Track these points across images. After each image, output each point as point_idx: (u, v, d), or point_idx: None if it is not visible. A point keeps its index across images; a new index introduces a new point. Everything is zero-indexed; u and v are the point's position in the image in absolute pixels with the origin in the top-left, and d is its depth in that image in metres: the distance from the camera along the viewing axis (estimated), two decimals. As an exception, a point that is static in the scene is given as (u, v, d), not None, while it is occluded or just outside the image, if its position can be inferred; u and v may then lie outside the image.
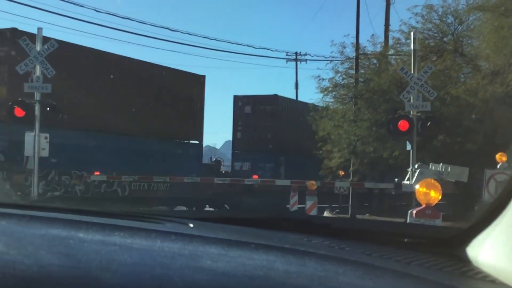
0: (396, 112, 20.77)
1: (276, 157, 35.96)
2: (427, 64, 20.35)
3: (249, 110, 37.02)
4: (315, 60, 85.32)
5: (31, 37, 19.17)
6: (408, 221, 11.36)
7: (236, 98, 37.77)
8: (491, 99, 22.89)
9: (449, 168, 16.68)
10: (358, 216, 26.20)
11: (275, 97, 37.22)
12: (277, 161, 36.05)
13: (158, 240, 1.49)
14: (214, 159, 37.61)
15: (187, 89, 32.26)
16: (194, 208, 27.83)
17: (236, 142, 38.31)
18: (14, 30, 24.32)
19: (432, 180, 12.00)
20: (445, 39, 26.81)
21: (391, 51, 29.36)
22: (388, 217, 22.77)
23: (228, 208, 28.03)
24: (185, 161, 30.50)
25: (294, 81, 59.95)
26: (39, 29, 18.87)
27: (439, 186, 11.36)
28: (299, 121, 35.65)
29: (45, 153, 18.62)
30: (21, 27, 28.98)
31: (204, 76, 33.88)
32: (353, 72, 29.70)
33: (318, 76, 29.96)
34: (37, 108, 18.25)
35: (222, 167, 36.37)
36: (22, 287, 1.30)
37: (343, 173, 30.33)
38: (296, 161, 35.53)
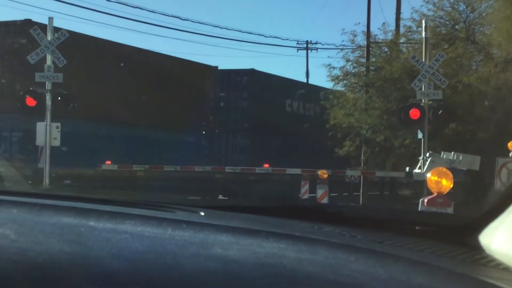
0: (407, 101, 20.73)
1: None
2: (439, 52, 20.27)
3: None
4: (326, 49, 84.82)
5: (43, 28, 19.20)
6: (419, 209, 11.34)
7: None
8: (504, 87, 22.78)
9: (461, 156, 16.63)
10: (369, 204, 26.21)
11: None
12: None
13: (169, 229, 1.49)
14: None
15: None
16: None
17: None
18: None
19: (444, 169, 11.98)
20: (457, 26, 26.68)
21: (402, 39, 29.24)
22: (399, 206, 22.75)
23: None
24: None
25: (305, 70, 59.87)
26: (50, 18, 18.91)
27: (450, 174, 11.34)
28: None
29: (57, 143, 18.71)
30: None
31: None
32: (364, 60, 29.63)
33: (329, 65, 29.90)
34: (48, 97, 18.31)
35: None
36: (32, 274, 1.31)
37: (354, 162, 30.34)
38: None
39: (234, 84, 37.13)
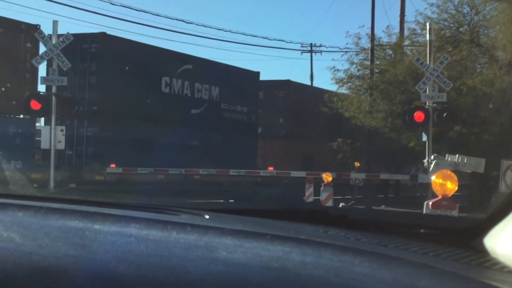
0: (411, 103, 20.73)
1: None
2: (443, 55, 20.26)
3: None
4: (330, 52, 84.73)
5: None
6: (424, 212, 11.33)
7: None
8: (508, 89, 22.77)
9: (466, 159, 16.63)
10: (374, 207, 26.20)
11: None
12: None
13: (174, 232, 1.49)
14: None
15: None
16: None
17: None
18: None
19: (448, 171, 11.98)
20: (461, 29, 26.66)
21: (406, 42, 29.24)
22: (404, 209, 22.72)
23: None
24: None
25: (309, 73, 59.78)
26: (55, 22, 18.98)
27: (455, 177, 11.33)
28: None
29: (61, 146, 18.75)
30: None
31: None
32: (368, 63, 29.64)
33: (333, 67, 29.92)
34: (53, 101, 18.36)
35: None
36: (38, 278, 1.31)
37: (358, 164, 30.33)
38: None
39: (80, 53, 27.13)
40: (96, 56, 27.55)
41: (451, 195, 11.32)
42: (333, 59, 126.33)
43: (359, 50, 29.98)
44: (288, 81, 39.97)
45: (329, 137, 34.10)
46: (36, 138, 27.47)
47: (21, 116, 26.74)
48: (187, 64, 31.94)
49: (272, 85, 38.52)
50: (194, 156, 27.76)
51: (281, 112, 38.05)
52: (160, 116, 28.66)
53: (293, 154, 35.72)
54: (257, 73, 37.23)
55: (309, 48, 58.66)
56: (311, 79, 59.22)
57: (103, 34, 28.15)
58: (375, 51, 29.78)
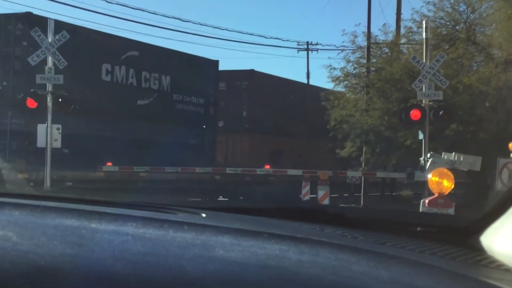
0: (408, 101, 20.75)
1: None
2: (439, 53, 20.27)
3: None
4: (327, 50, 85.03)
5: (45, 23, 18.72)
6: (421, 211, 11.35)
7: None
8: (504, 87, 22.82)
9: (462, 157, 16.64)
10: (371, 206, 26.26)
11: None
12: None
13: (171, 230, 1.49)
14: None
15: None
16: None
17: None
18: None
19: (445, 170, 11.99)
20: (457, 27, 26.70)
21: (403, 40, 29.26)
22: (400, 207, 22.78)
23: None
24: None
25: (306, 71, 59.81)
26: (50, 20, 18.93)
27: (451, 175, 11.35)
28: None
29: (58, 144, 18.70)
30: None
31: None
32: (364, 61, 29.63)
33: (330, 66, 29.90)
34: (49, 99, 18.32)
35: None
36: (35, 277, 1.31)
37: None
38: None
39: (4, 36, 24.38)
40: (21, 39, 23.89)
41: (447, 193, 11.34)
42: (329, 57, 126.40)
43: (356, 48, 30.00)
44: (252, 71, 37.22)
45: (300, 131, 33.17)
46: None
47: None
48: (133, 50, 28.97)
49: (234, 76, 36.05)
50: (141, 151, 25.24)
51: (244, 104, 35.77)
52: (99, 107, 25.52)
53: (259, 149, 33.76)
54: (216, 62, 34.40)
55: (306, 46, 58.73)
56: (308, 77, 59.28)
57: (29, 14, 24.55)
58: (371, 49, 29.78)
